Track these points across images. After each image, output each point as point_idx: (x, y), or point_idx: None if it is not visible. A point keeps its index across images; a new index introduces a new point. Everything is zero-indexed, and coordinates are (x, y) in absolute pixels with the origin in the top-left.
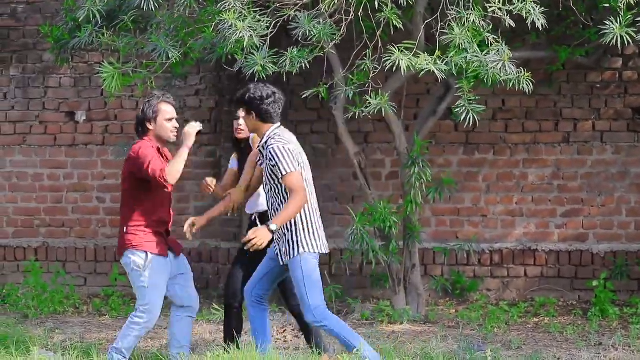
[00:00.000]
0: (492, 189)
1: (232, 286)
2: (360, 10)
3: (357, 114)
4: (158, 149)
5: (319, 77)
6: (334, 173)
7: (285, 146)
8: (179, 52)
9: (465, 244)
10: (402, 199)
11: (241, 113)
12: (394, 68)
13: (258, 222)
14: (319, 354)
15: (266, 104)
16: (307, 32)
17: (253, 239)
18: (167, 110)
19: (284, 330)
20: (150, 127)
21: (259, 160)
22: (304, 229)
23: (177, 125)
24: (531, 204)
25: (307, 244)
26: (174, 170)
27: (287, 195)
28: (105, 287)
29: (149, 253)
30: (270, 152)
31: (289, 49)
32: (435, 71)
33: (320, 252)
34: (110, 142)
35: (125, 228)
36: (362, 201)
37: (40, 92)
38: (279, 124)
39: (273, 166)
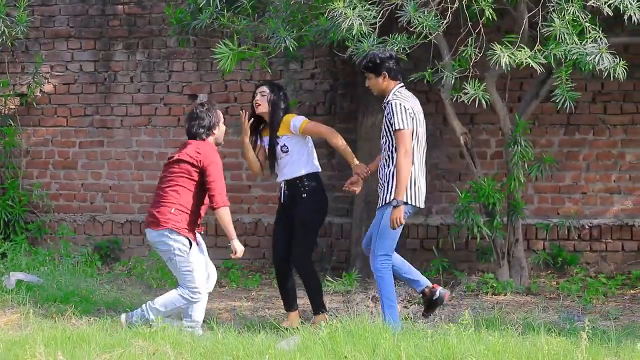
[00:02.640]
0: (591, 167)
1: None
2: None
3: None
4: None
5: (427, 62)
6: (442, 152)
7: (402, 103)
8: (293, 38)
9: (566, 219)
10: (506, 177)
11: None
12: (497, 65)
13: (284, 188)
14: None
15: (394, 62)
16: (413, 20)
17: (393, 222)
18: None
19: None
20: (214, 131)
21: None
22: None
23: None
24: (629, 182)
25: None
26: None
27: (394, 148)
28: (225, 259)
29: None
30: (390, 106)
31: (395, 35)
32: (535, 66)
33: (415, 205)
34: (230, 122)
35: (172, 209)
36: (469, 179)
37: (165, 76)
38: (402, 82)
39: (389, 119)
